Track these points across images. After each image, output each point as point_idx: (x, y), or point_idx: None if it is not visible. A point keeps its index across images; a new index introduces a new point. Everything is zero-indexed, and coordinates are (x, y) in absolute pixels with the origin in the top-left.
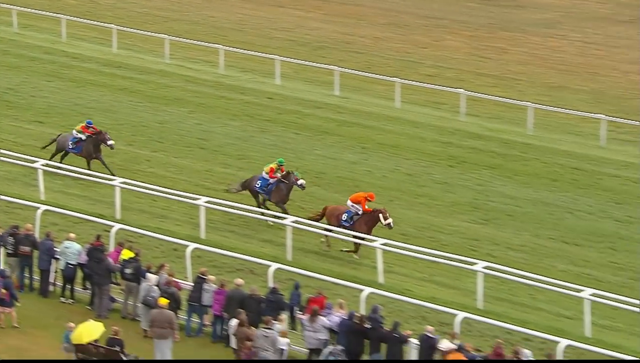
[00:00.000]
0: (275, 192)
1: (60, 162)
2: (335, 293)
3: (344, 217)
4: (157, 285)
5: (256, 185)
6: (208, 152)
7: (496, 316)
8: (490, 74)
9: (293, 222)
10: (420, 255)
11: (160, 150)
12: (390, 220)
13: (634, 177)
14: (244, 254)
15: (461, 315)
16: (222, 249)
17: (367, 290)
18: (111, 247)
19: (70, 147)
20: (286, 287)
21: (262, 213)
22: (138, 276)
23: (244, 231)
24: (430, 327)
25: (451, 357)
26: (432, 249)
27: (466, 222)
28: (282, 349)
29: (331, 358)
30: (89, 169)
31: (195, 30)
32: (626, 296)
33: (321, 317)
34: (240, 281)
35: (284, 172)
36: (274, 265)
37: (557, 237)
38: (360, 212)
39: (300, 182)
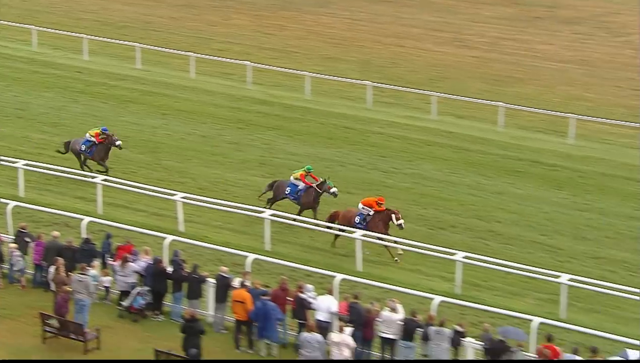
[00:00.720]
0: (305, 197)
1: (83, 166)
2: (142, 241)
3: (357, 219)
4: None
5: (286, 192)
6: (25, 120)
7: (282, 256)
8: (272, 48)
9: (103, 180)
10: (216, 206)
11: None
12: (401, 221)
13: (396, 134)
14: (59, 210)
15: (252, 256)
16: (39, 206)
17: (170, 237)
18: None
19: (83, 149)
20: (98, 238)
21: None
22: None
23: (59, 189)
24: (225, 268)
25: (236, 292)
26: (226, 201)
27: (255, 176)
28: (107, 287)
29: (139, 298)
30: (96, 171)
31: (9, 12)
32: (390, 235)
33: (130, 263)
34: (56, 233)
35: (319, 181)
36: (87, 219)
37: None
38: (371, 213)
39: (332, 190)
